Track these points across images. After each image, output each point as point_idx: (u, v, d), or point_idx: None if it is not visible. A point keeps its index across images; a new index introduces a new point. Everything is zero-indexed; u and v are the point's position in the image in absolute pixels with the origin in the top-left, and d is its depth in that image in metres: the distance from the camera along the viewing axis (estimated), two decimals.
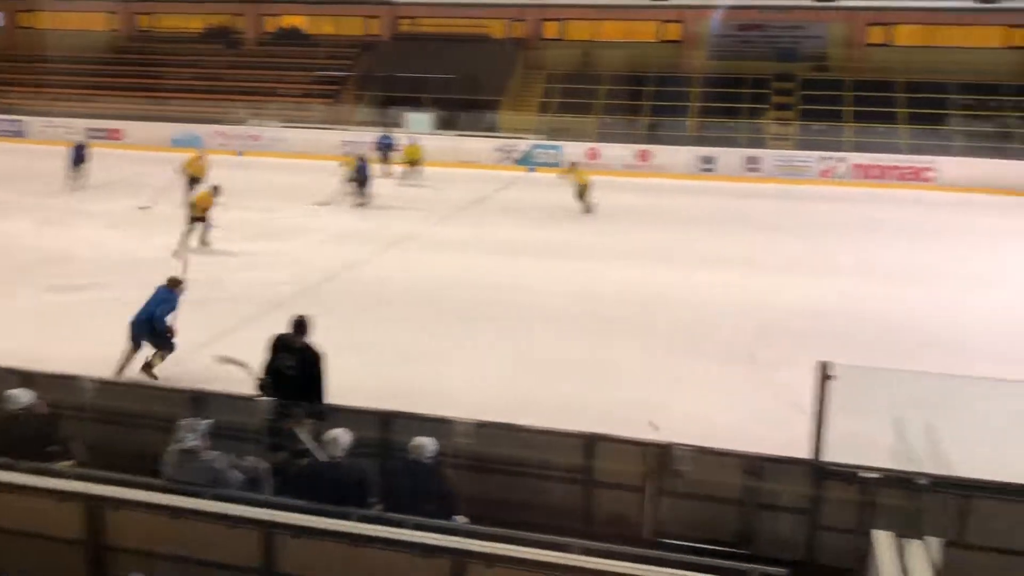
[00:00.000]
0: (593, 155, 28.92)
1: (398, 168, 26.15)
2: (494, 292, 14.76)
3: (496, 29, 36.05)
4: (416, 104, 32.16)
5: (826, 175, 27.57)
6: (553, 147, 29.66)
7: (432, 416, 7.27)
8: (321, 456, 6.48)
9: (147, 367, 10.32)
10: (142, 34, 40.30)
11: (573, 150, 28.94)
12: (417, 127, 30.86)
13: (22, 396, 6.89)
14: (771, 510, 6.96)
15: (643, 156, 29.02)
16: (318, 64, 35.80)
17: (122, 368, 10.23)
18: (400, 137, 27.90)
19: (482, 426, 7.12)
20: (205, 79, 35.75)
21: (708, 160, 28.58)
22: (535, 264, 16.84)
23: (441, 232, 19.67)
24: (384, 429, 7.37)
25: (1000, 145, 27.52)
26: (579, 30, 35.08)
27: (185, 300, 10.67)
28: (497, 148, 30.18)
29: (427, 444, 6.40)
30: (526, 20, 35.41)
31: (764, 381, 11.14)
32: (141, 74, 36.43)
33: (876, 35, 32.46)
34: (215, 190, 17.35)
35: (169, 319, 10.38)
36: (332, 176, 22.79)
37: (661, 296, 14.69)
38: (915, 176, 26.97)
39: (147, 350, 10.39)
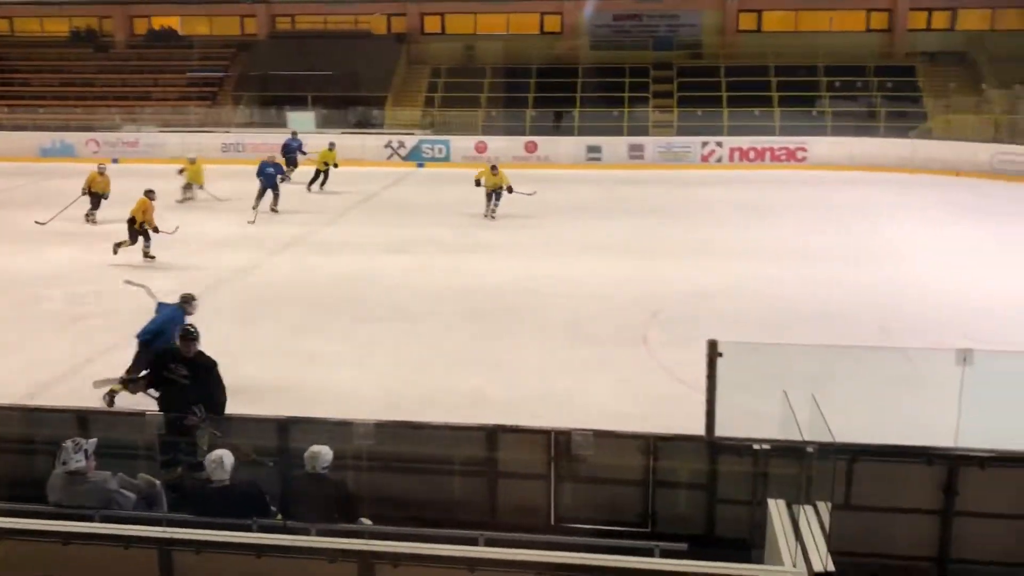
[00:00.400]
0: (481, 148, 28.98)
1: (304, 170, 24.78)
2: (387, 291, 14.66)
3: (376, 24, 35.70)
4: (298, 103, 31.55)
5: (706, 159, 28.41)
6: (441, 142, 29.60)
7: (330, 419, 7.18)
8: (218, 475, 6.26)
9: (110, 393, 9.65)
10: (1, 39, 38.21)
11: (465, 144, 28.98)
12: (301, 126, 30.27)
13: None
14: (670, 487, 7.15)
15: (530, 148, 29.25)
16: (194, 66, 34.70)
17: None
18: (307, 139, 26.56)
19: (381, 426, 7.06)
20: (74, 85, 34.23)
21: (594, 149, 29.02)
22: (427, 261, 16.79)
23: (331, 233, 19.40)
24: (282, 435, 7.23)
25: (866, 124, 28.89)
26: (460, 24, 35.07)
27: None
28: (385, 145, 29.90)
29: (322, 453, 6.28)
30: (406, 15, 35.18)
31: (657, 363, 11.43)
32: (3, 81, 34.60)
33: (747, 22, 33.57)
34: (151, 194, 16.60)
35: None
36: (222, 181, 22.20)
37: (554, 286, 14.86)
38: (789, 157, 28.06)
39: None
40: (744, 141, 28.38)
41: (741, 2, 32.93)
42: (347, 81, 31.73)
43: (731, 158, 28.34)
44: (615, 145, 28.99)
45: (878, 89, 30.51)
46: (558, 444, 7.01)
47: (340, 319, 13.17)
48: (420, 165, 29.18)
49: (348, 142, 29.58)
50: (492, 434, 7.14)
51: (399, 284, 15.05)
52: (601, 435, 7.10)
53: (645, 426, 7.55)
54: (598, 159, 28.81)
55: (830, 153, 27.59)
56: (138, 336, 9.58)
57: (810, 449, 6.66)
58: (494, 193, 20.41)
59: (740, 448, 6.98)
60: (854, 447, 6.88)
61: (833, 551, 5.68)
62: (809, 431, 6.71)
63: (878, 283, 14.97)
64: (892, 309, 13.52)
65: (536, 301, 14.03)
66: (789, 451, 6.75)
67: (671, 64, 32.75)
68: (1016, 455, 6.84)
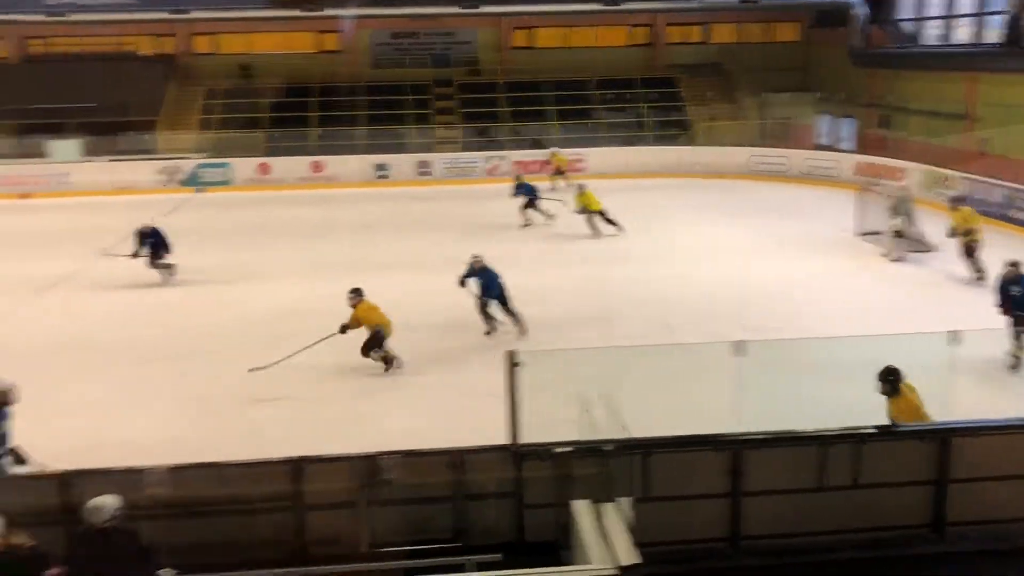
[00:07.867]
0: (264, 170, 28.14)
1: None
2: (163, 329, 13.90)
3: (143, 45, 33.80)
4: (59, 131, 29.34)
5: (491, 173, 29.01)
6: (221, 164, 28.50)
7: (117, 468, 6.72)
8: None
9: None
10: None
11: (247, 166, 28.10)
12: (64, 155, 28.24)
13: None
14: (479, 499, 7.24)
15: (316, 168, 28.75)
16: None
17: None
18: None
19: (176, 470, 6.70)
20: None
21: (381, 167, 28.91)
22: (207, 292, 16.04)
23: (101, 269, 17.94)
24: (64, 491, 6.69)
25: (636, 134, 30.66)
26: (233, 43, 33.88)
27: None
28: (159, 170, 28.39)
29: (105, 505, 5.74)
30: (175, 35, 33.57)
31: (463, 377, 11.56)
32: None
33: (520, 38, 34.64)
34: None
35: None
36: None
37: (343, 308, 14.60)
38: (571, 168, 29.14)
39: None
40: (525, 154, 29.23)
41: (514, 20, 33.94)
42: (113, 105, 29.83)
43: (514, 171, 29.05)
44: (402, 162, 29.04)
45: (644, 100, 32.41)
46: (365, 469, 6.93)
47: (117, 362, 12.35)
48: (199, 190, 27.96)
49: (118, 170, 27.93)
50: (297, 466, 6.95)
51: (173, 323, 14.25)
52: (408, 454, 7.09)
53: (454, 440, 7.59)
54: (385, 176, 28.75)
55: (606, 162, 28.98)
56: None
57: (608, 447, 6.95)
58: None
59: (543, 453, 7.18)
60: (648, 441, 7.25)
61: (637, 543, 5.96)
62: (606, 430, 7.01)
63: (656, 281, 15.82)
64: (674, 305, 14.36)
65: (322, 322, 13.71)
66: (589, 451, 7.02)
67: (451, 81, 33.25)
68: (789, 434, 7.46)
